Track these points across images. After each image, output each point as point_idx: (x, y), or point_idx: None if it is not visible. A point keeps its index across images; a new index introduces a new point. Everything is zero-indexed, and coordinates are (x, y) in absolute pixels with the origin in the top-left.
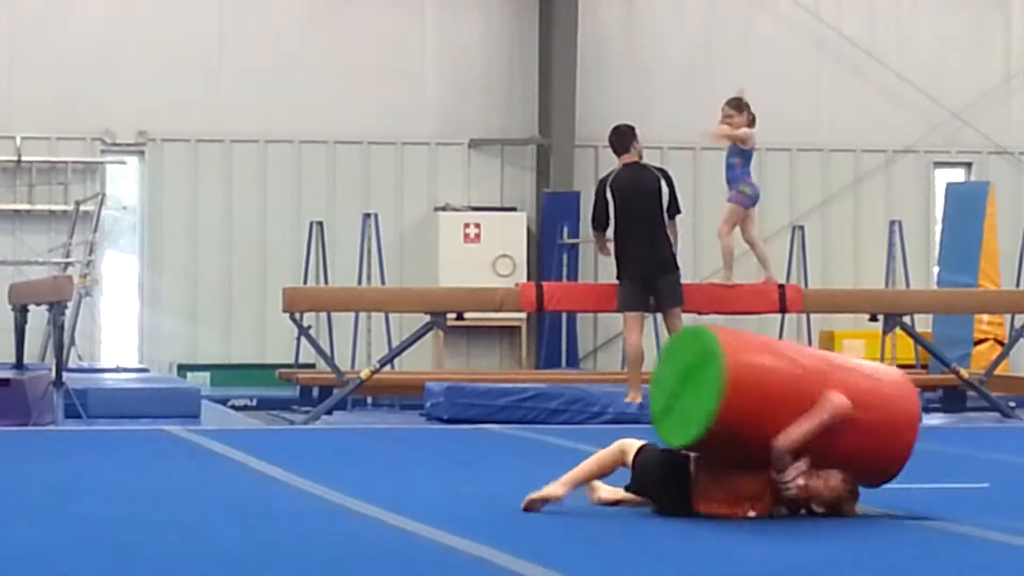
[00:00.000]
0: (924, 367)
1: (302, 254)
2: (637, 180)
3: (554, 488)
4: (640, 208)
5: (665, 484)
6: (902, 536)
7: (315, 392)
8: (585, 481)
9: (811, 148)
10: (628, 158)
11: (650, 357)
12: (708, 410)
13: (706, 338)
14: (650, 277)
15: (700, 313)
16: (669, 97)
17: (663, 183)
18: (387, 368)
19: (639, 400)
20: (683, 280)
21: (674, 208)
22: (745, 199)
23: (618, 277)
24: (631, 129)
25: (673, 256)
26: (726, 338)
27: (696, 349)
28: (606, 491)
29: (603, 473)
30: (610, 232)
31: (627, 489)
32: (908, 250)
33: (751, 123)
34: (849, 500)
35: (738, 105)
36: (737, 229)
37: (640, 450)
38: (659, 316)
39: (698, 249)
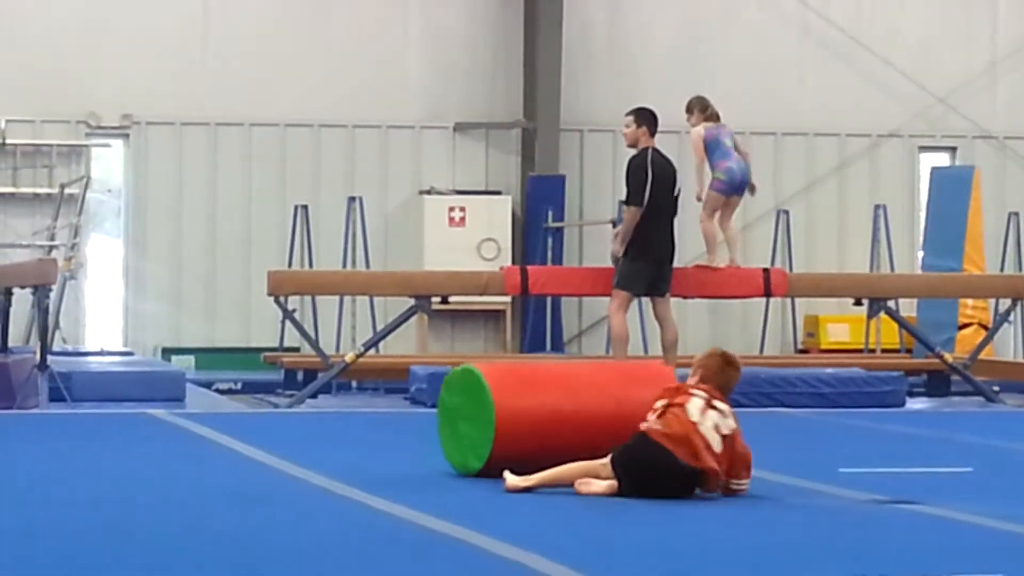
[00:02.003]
0: (909, 351)
1: (287, 237)
2: (665, 166)
3: (522, 481)
4: (668, 194)
5: (654, 468)
6: (887, 520)
7: (300, 376)
8: (557, 484)
9: (796, 132)
10: (652, 143)
11: (634, 341)
12: (485, 447)
13: (478, 381)
14: (663, 264)
15: (685, 297)
16: (654, 80)
17: (676, 174)
18: (372, 352)
19: None
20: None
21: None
22: (721, 185)
23: (633, 257)
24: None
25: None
26: (494, 381)
27: (471, 391)
28: (597, 485)
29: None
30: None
31: (614, 468)
32: (893, 234)
33: (710, 118)
34: None
35: (688, 107)
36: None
37: (615, 452)
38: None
39: (681, 232)
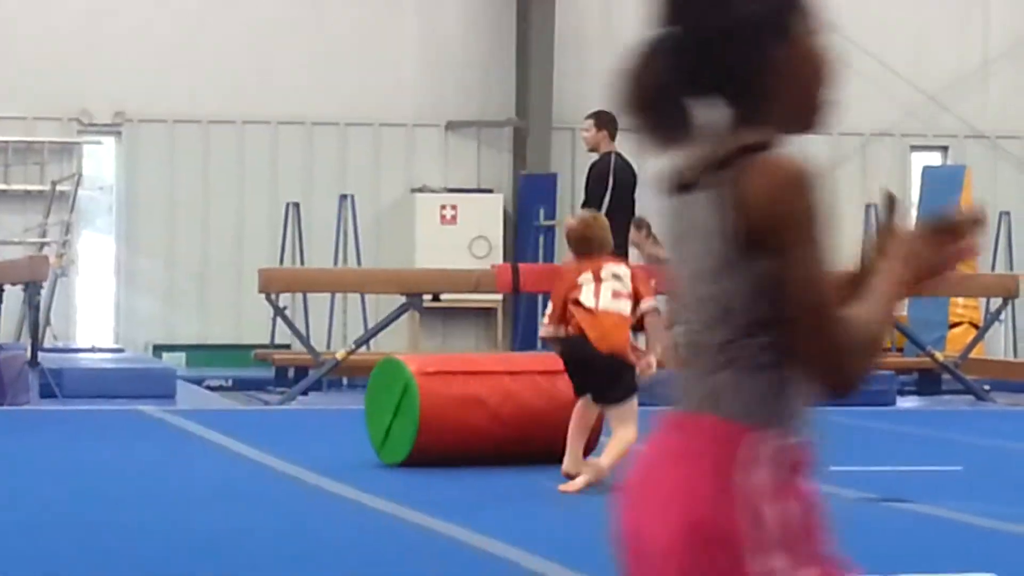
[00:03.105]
0: (899, 350)
1: (278, 235)
2: (628, 170)
3: (588, 471)
4: (629, 200)
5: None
6: (876, 519)
7: (291, 373)
8: (581, 443)
9: None
10: (613, 147)
11: None
12: (411, 434)
13: (403, 371)
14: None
15: None
16: None
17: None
18: (363, 349)
19: None
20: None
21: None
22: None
23: None
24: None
25: None
26: (419, 370)
27: (396, 381)
28: (578, 482)
29: (588, 427)
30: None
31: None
32: None
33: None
34: None
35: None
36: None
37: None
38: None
39: None
